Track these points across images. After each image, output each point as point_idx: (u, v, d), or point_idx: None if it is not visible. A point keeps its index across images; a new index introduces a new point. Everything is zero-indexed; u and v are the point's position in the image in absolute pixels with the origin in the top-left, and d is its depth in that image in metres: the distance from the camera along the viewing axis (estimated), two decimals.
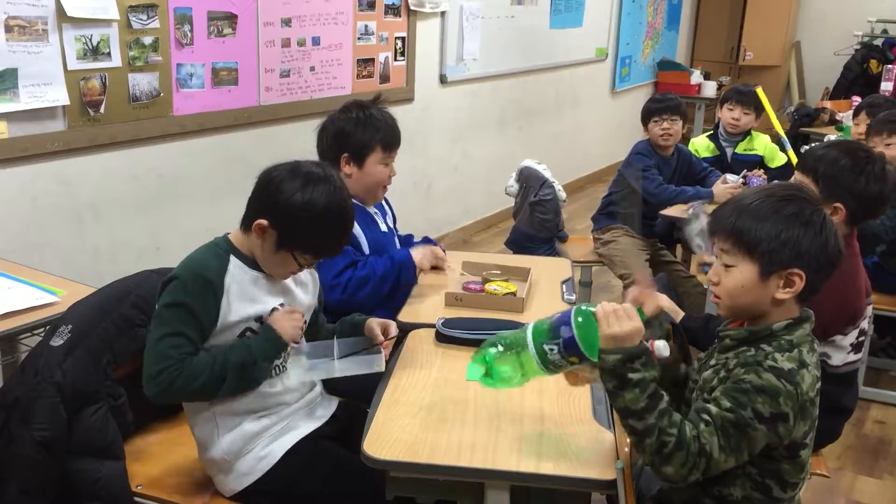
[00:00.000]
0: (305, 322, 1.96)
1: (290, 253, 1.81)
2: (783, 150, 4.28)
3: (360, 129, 2.44)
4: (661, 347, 1.55)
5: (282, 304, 1.87)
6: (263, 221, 1.78)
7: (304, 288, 1.97)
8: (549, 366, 1.58)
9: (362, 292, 2.40)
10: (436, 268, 2.64)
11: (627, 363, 1.49)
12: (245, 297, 1.81)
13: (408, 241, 2.79)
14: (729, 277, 1.58)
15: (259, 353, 1.78)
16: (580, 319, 1.54)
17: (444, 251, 2.70)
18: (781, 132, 4.62)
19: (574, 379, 1.68)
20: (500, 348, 1.61)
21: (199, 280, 1.75)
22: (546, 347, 1.56)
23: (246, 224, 1.82)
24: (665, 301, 1.94)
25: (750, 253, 1.55)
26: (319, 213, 1.78)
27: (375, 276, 2.42)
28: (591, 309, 1.55)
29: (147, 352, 1.73)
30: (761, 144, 4.25)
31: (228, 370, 1.74)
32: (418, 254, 2.55)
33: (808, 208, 1.55)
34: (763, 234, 1.53)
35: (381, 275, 2.42)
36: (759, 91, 4.26)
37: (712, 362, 1.63)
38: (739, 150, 4.24)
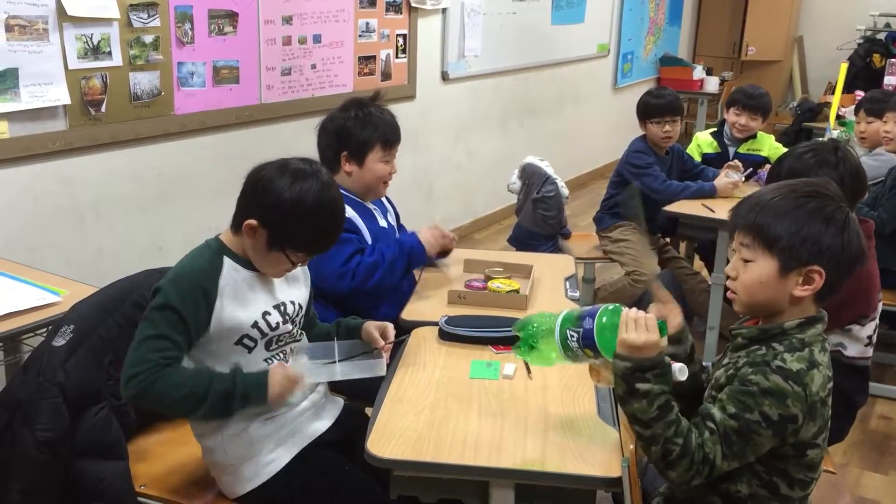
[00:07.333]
0: (301, 317, 1.95)
1: (283, 252, 1.79)
2: None
3: (360, 128, 2.43)
4: (678, 371, 1.53)
5: (276, 307, 1.85)
6: (253, 221, 1.76)
7: (297, 283, 1.96)
8: (567, 352, 1.62)
9: (373, 279, 2.37)
10: (445, 252, 2.61)
11: (637, 372, 1.48)
12: (239, 300, 1.79)
13: None
14: (747, 273, 1.57)
15: (243, 390, 1.75)
16: (605, 318, 1.57)
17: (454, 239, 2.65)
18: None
19: (596, 377, 1.67)
20: (537, 325, 1.67)
21: (192, 284, 1.74)
22: (569, 333, 1.61)
23: (236, 225, 1.81)
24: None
25: (770, 248, 1.53)
26: (309, 210, 1.77)
27: (385, 262, 2.38)
28: (621, 311, 1.56)
29: (129, 352, 1.71)
30: (766, 145, 4.18)
31: (211, 393, 1.72)
32: (425, 234, 2.51)
33: (830, 205, 1.54)
34: (784, 229, 1.52)
35: (390, 260, 2.39)
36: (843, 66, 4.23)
37: (725, 361, 1.63)
38: (742, 149, 4.17)
